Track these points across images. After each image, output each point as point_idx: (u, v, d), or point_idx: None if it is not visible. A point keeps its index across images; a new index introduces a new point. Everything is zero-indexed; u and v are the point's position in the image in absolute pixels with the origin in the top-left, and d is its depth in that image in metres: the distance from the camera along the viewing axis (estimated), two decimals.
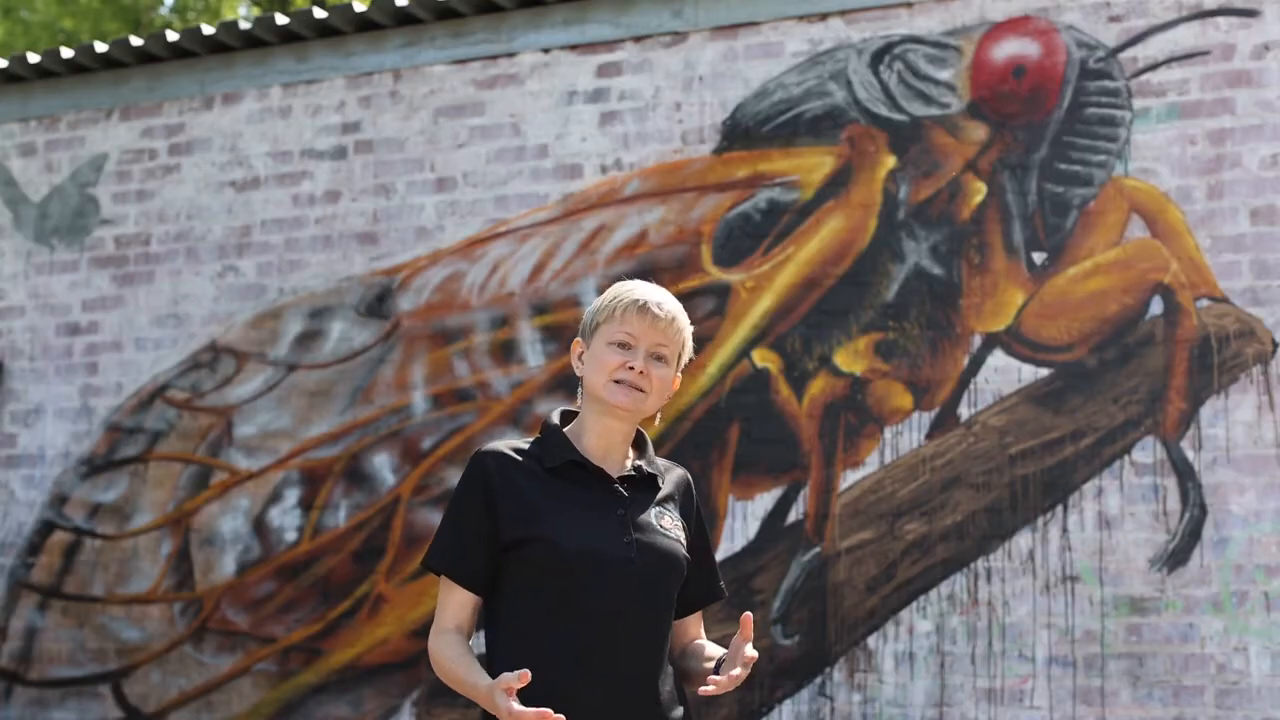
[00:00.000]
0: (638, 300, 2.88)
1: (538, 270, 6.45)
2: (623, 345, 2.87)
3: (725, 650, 2.83)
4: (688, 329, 2.94)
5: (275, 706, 6.58)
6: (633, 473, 2.90)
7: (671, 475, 2.99)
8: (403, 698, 6.38)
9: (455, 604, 2.86)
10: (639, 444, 2.98)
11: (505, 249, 6.53)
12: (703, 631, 3.04)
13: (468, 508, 2.85)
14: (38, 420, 7.25)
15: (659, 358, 2.89)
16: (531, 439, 2.93)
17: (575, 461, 2.87)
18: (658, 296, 2.90)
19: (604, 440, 2.90)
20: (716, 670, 2.79)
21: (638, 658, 2.81)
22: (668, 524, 2.89)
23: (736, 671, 2.70)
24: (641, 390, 2.86)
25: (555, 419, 2.96)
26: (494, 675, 2.74)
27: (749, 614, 2.72)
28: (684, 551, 2.90)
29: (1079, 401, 5.64)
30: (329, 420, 6.68)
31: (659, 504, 2.91)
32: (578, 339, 2.95)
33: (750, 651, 2.71)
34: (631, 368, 2.85)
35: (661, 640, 2.87)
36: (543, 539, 2.79)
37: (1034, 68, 5.86)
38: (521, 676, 2.58)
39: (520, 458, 2.87)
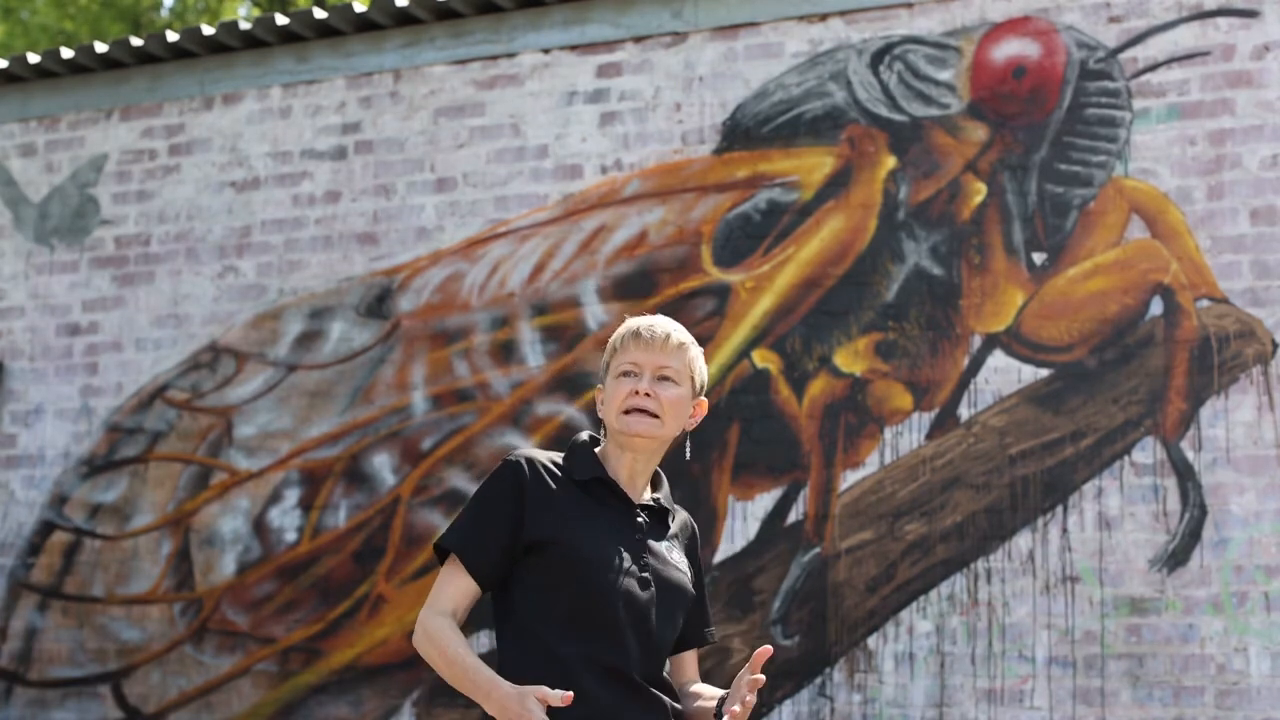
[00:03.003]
0: (632, 328, 2.95)
1: (538, 271, 6.45)
2: (627, 374, 2.92)
3: (723, 691, 2.89)
4: (694, 349, 2.97)
5: (275, 706, 6.58)
6: (651, 504, 2.97)
7: (679, 517, 3.05)
8: (403, 698, 6.37)
9: (458, 588, 2.90)
10: (655, 483, 3.04)
11: (505, 249, 6.52)
12: (697, 674, 3.09)
13: (496, 501, 2.88)
14: (38, 420, 7.25)
15: (665, 379, 2.92)
16: (558, 454, 2.99)
17: (602, 479, 2.93)
18: (652, 320, 2.96)
19: (627, 472, 2.96)
20: (719, 709, 2.83)
21: (645, 670, 2.86)
22: (676, 558, 2.96)
23: (748, 699, 2.74)
24: (654, 415, 2.90)
25: (584, 438, 3.02)
26: (504, 673, 2.78)
27: (767, 649, 2.73)
28: (690, 587, 2.97)
29: (1079, 402, 5.64)
30: (329, 420, 6.68)
31: (669, 539, 2.98)
32: (599, 387, 3.01)
33: (757, 676, 2.75)
34: (638, 392, 2.89)
35: (663, 662, 2.94)
36: (566, 542, 2.83)
37: (1034, 68, 5.86)
38: (565, 698, 2.61)
39: (554, 467, 2.92)
